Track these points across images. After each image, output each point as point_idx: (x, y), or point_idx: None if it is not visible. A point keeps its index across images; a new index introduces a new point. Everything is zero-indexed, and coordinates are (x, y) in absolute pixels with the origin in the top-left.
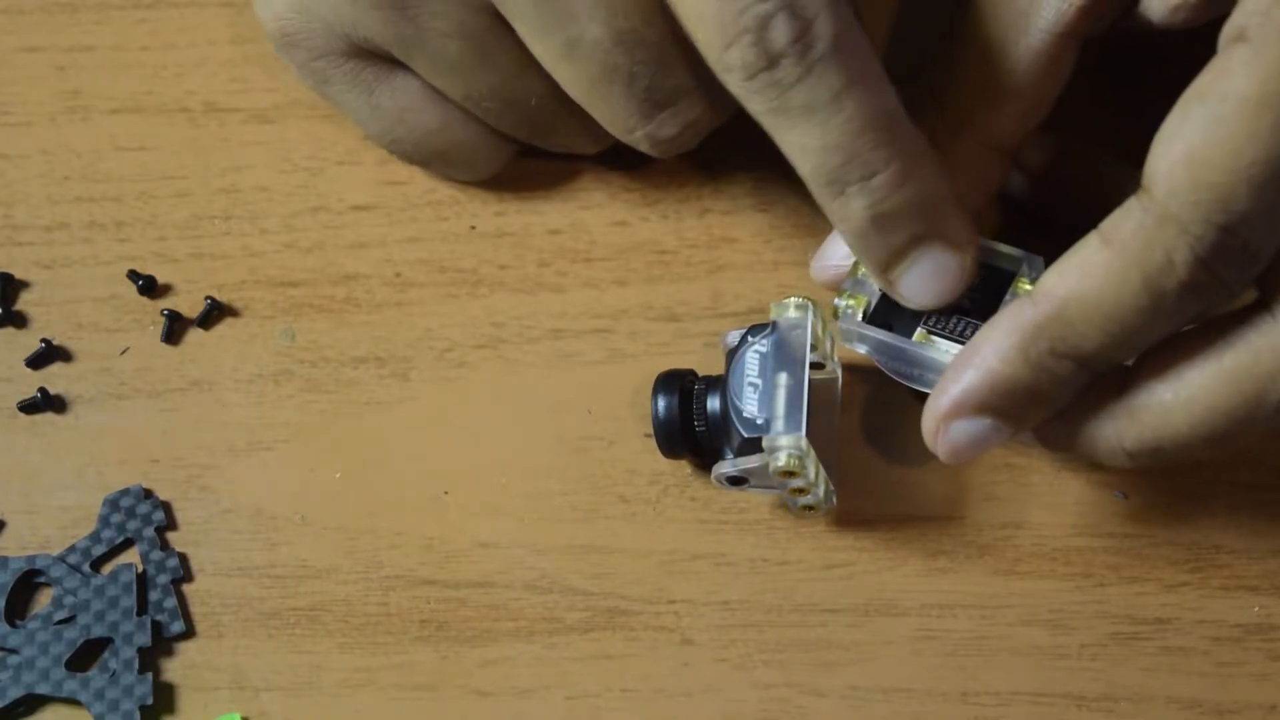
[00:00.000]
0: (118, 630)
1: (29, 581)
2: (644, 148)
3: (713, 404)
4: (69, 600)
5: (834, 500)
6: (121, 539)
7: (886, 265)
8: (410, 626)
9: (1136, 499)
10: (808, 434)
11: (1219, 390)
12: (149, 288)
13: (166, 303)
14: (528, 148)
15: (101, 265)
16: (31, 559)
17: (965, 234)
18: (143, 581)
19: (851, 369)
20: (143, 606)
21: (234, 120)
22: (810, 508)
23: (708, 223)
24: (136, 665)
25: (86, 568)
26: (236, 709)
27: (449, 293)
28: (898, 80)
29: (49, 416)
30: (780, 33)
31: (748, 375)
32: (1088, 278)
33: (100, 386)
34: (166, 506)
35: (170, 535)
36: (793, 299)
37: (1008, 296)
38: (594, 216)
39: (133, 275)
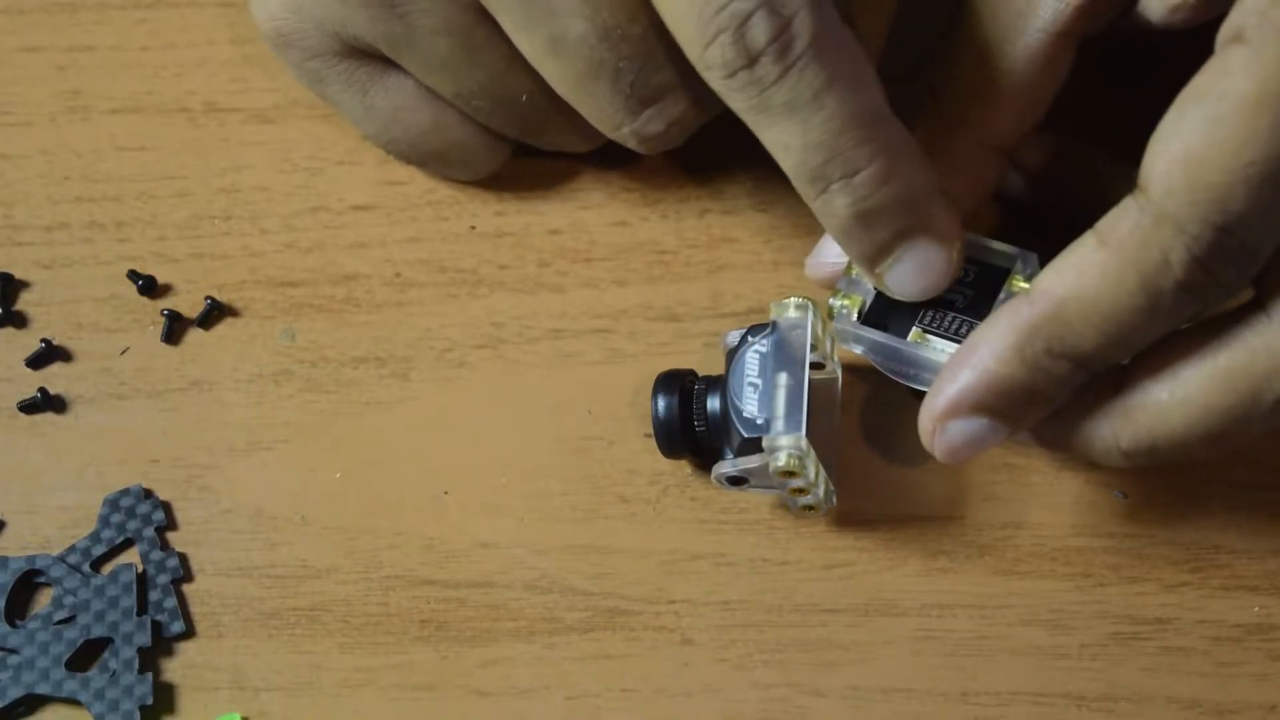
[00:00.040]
0: (118, 630)
1: (29, 581)
2: (631, 144)
3: (713, 404)
4: (69, 600)
5: (834, 500)
6: (121, 539)
7: (873, 260)
8: (410, 626)
9: (1136, 499)
10: (808, 434)
11: (1215, 390)
12: (149, 288)
13: (166, 303)
14: (525, 147)
15: (101, 265)
16: (31, 559)
17: (951, 227)
18: (143, 581)
19: (851, 369)
20: (143, 606)
21: (234, 120)
22: (810, 508)
23: (708, 223)
24: (136, 665)
25: (86, 568)
26: (236, 709)
27: (449, 293)
28: (897, 80)
29: (49, 416)
30: (759, 31)
31: (748, 375)
32: (1084, 277)
33: (100, 386)
34: (166, 506)
35: (170, 535)
36: (793, 299)
37: (1002, 294)
38: (594, 216)
39: (133, 275)
